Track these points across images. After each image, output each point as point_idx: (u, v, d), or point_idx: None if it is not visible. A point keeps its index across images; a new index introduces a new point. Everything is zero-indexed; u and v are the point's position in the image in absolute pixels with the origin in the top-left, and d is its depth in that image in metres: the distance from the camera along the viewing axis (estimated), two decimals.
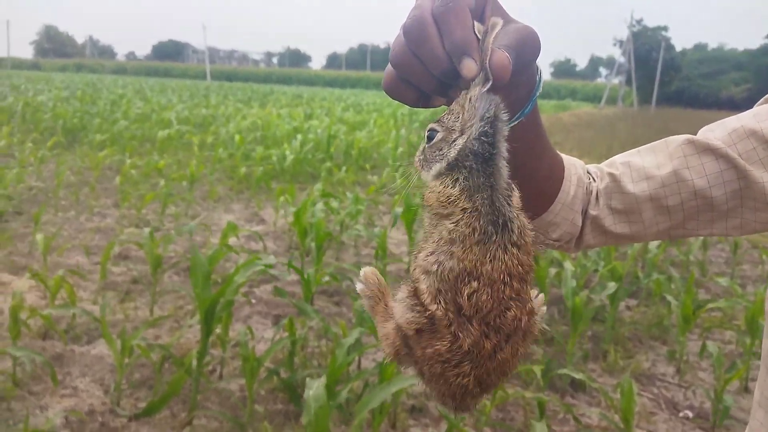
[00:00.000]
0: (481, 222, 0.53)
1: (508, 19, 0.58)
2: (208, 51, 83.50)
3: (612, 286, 3.89)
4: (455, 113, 0.56)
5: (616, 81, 52.57)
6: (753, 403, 0.84)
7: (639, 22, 60.02)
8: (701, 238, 5.78)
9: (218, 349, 3.54)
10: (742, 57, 56.70)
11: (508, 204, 0.55)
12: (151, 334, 3.80)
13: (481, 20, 0.56)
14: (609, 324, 4.03)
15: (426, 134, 0.58)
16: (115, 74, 66.73)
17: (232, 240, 5.58)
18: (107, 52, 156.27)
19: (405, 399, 3.26)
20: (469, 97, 0.54)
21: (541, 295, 0.64)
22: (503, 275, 0.53)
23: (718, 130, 0.79)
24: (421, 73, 0.56)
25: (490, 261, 0.52)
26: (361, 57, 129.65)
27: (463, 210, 0.53)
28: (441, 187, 0.55)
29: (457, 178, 0.54)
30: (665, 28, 61.78)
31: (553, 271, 4.49)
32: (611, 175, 0.83)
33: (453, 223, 0.53)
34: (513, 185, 0.57)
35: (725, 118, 0.81)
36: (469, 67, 0.53)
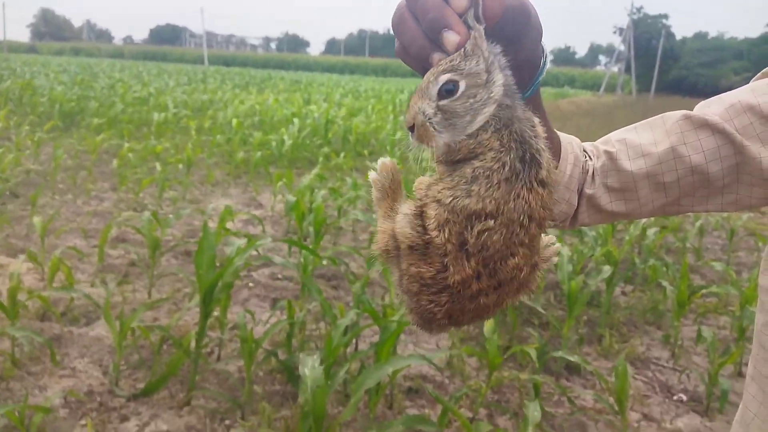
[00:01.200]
0: (512, 156, 0.51)
1: None
2: (205, 35, 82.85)
3: (607, 270, 3.92)
4: (468, 58, 0.52)
5: (615, 69, 52.39)
6: (746, 377, 0.86)
7: (639, 9, 59.61)
8: (698, 224, 5.81)
9: (216, 332, 3.56)
10: (743, 46, 56.43)
11: (535, 135, 0.53)
12: (150, 316, 3.81)
13: (478, 5, 0.56)
14: (604, 309, 4.06)
15: (441, 88, 0.53)
16: (112, 58, 66.22)
17: (229, 224, 5.59)
18: (104, 35, 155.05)
19: (401, 381, 3.29)
20: (475, 34, 0.52)
21: (558, 245, 0.62)
22: (523, 217, 0.51)
23: (715, 106, 0.79)
24: (418, 59, 0.57)
25: (514, 199, 0.51)
26: (360, 43, 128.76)
27: (491, 149, 0.51)
28: (471, 136, 0.52)
29: (488, 120, 0.52)
30: (666, 16, 61.43)
31: None
32: (607, 153, 0.83)
33: (480, 161, 0.51)
34: (532, 114, 0.55)
35: (722, 94, 0.81)
36: (449, 39, 0.52)
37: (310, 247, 4.38)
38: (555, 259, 0.63)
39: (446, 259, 0.52)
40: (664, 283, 4.13)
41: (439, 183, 0.54)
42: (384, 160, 0.62)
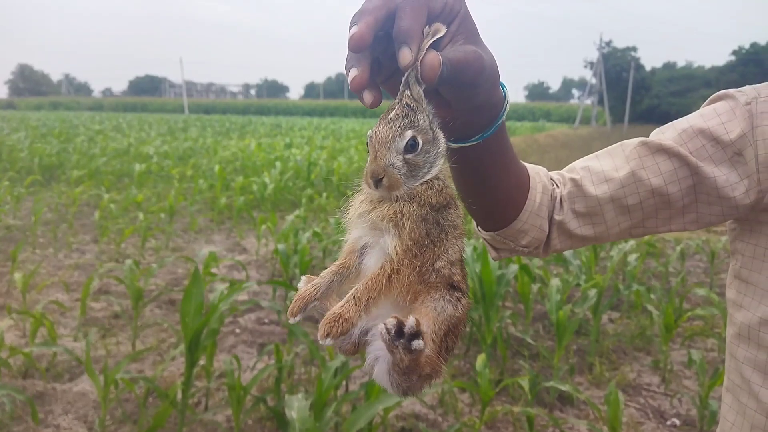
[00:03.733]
0: (455, 211, 0.59)
1: (472, 38, 0.61)
2: (185, 85, 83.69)
3: (593, 295, 3.94)
4: (414, 112, 0.57)
5: (588, 101, 53.67)
6: (723, 389, 0.88)
7: (608, 44, 61.59)
8: (679, 248, 5.89)
9: (203, 381, 3.50)
10: (710, 74, 58.35)
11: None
12: (134, 368, 3.74)
13: (447, 31, 0.60)
14: (593, 337, 4.07)
15: (407, 143, 0.57)
16: (91, 111, 66.41)
17: (213, 270, 5.54)
18: (83, 89, 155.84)
19: (394, 421, 3.24)
20: (416, 95, 0.57)
21: None
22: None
23: (669, 132, 0.83)
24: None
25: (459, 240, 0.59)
26: (339, 86, 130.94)
27: (453, 198, 0.59)
28: (430, 188, 0.58)
29: (443, 179, 0.59)
30: (634, 49, 63.49)
31: (535, 287, 4.53)
32: (573, 180, 0.86)
33: (452, 209, 0.58)
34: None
35: (675, 121, 0.86)
36: (404, 54, 0.55)
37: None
38: None
39: (467, 297, 0.60)
40: (651, 308, 4.15)
41: (446, 247, 0.58)
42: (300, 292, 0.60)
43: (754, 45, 57.69)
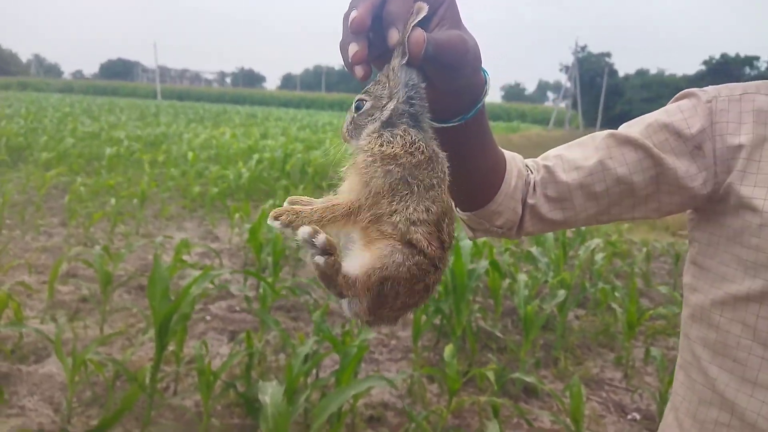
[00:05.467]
0: (440, 167, 0.62)
1: (456, 24, 0.65)
2: (158, 70, 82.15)
3: (562, 294, 4.05)
4: (381, 84, 0.64)
5: (562, 104, 54.57)
6: (675, 367, 0.94)
7: (583, 48, 62.61)
8: (645, 249, 6.06)
9: (172, 366, 3.49)
10: (681, 82, 59.81)
11: (443, 154, 0.65)
12: (103, 352, 3.70)
13: (434, 16, 0.64)
14: (559, 332, 4.17)
15: (354, 105, 0.66)
16: (61, 93, 64.65)
17: (185, 257, 5.50)
18: (53, 70, 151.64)
19: (363, 410, 3.29)
20: (391, 68, 0.63)
21: None
22: (450, 208, 0.64)
23: (636, 125, 0.90)
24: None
25: (448, 198, 0.63)
26: (316, 78, 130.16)
27: (429, 159, 0.61)
28: (378, 144, 0.62)
29: (396, 135, 0.62)
30: (608, 55, 64.66)
31: (506, 283, 4.62)
32: (546, 167, 0.92)
33: (426, 170, 0.61)
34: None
35: (642, 116, 0.92)
36: (392, 34, 0.61)
37: (269, 279, 4.36)
38: None
39: (440, 262, 0.62)
40: (615, 306, 4.28)
41: (395, 203, 0.61)
42: (323, 237, 0.60)
43: (724, 56, 59.30)
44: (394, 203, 0.61)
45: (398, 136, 0.61)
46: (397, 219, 0.60)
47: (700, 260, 0.90)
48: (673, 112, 0.87)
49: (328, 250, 0.59)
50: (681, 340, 0.93)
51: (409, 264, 0.60)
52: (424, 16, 0.62)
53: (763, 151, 0.81)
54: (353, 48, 0.61)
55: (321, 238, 0.58)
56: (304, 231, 0.59)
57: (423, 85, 0.64)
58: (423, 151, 0.61)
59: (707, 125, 0.84)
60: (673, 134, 0.85)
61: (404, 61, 0.62)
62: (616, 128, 0.94)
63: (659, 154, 0.85)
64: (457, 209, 0.92)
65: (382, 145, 0.61)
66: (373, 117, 0.63)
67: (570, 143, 0.95)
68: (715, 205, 0.86)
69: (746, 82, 0.87)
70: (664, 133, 0.86)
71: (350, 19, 0.60)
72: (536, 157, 0.97)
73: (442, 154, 0.64)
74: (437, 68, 0.65)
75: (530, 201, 0.91)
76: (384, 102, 0.63)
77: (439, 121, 0.71)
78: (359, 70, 0.63)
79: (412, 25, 0.60)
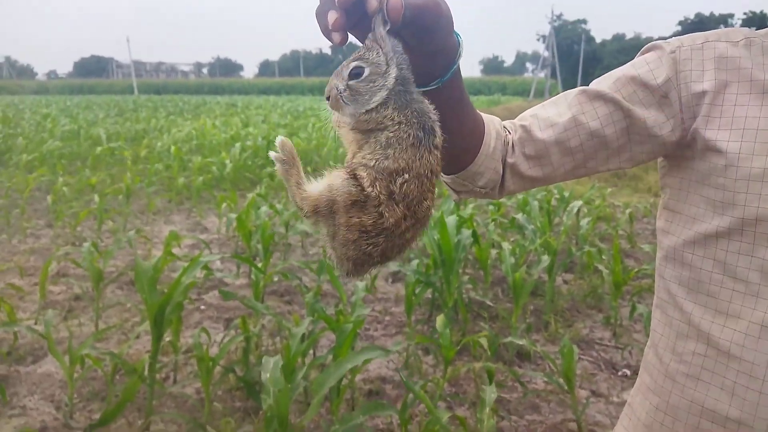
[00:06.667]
0: (414, 129, 0.67)
1: None
2: (133, 65, 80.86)
3: (546, 259, 4.12)
4: (374, 51, 0.67)
5: (542, 75, 54.40)
6: (653, 306, 1.00)
7: (559, 17, 62.51)
8: (628, 211, 6.16)
9: (170, 356, 3.52)
10: None
11: (430, 113, 0.69)
12: (100, 347, 3.72)
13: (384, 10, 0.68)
14: (548, 297, 4.26)
15: (351, 72, 0.68)
16: (36, 94, 63.42)
17: (176, 250, 5.51)
18: (26, 72, 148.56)
19: (362, 384, 3.35)
20: (378, 35, 0.67)
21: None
22: (427, 171, 0.67)
23: (605, 81, 0.93)
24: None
25: (419, 159, 0.67)
26: (294, 63, 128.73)
27: (399, 123, 0.67)
28: (375, 112, 0.67)
29: (388, 100, 0.67)
30: (584, 21, 64.65)
31: (494, 252, 4.69)
32: (522, 126, 0.96)
33: (391, 131, 0.67)
34: (427, 100, 0.71)
35: (611, 71, 0.95)
36: (371, 2, 0.65)
37: (260, 264, 4.39)
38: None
39: (381, 207, 0.67)
40: (601, 268, 4.37)
41: (361, 151, 0.69)
42: (282, 138, 0.74)
43: (698, 15, 59.43)
44: (362, 150, 0.68)
45: (387, 101, 0.67)
46: (355, 160, 0.68)
47: (672, 204, 0.95)
48: (640, 64, 0.91)
49: (284, 160, 0.71)
50: (657, 282, 0.98)
51: (345, 190, 0.66)
52: None
53: (725, 95, 0.85)
54: (332, 15, 0.65)
55: (278, 139, 0.71)
56: (277, 138, 0.71)
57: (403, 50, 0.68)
58: (393, 118, 0.67)
59: (672, 75, 0.88)
60: (641, 86, 0.89)
61: (387, 28, 0.66)
62: None
63: (628, 105, 0.89)
64: (442, 174, 0.96)
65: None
66: (375, 83, 0.66)
67: (544, 102, 0.98)
68: (683, 151, 0.91)
69: (709, 31, 0.91)
70: (632, 85, 0.90)
71: None
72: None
73: (433, 119, 0.69)
74: (413, 31, 0.69)
75: (510, 160, 0.94)
76: (384, 68, 0.67)
77: (417, 86, 0.75)
78: (337, 37, 0.66)
79: None
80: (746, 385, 0.82)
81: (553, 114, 0.94)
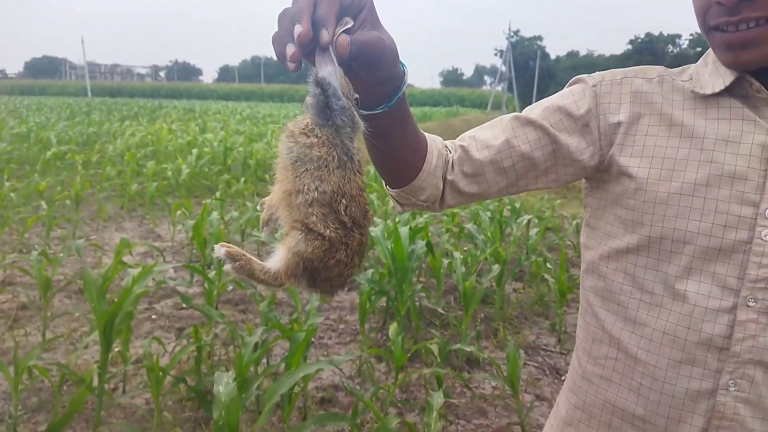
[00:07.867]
0: (337, 153, 0.72)
1: (375, 25, 0.78)
2: (87, 66, 78.61)
3: (496, 268, 4.27)
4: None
5: (499, 88, 55.55)
6: (580, 289, 1.10)
7: (516, 33, 64.08)
8: (575, 223, 6.40)
9: (119, 366, 3.48)
10: (609, 62, 62.22)
11: (352, 143, 0.75)
12: (46, 358, 3.65)
13: (356, 19, 0.76)
14: (498, 305, 4.40)
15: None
16: None
17: (127, 258, 5.43)
18: None
19: (314, 392, 3.40)
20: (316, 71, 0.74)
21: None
22: (356, 191, 0.74)
23: (536, 108, 1.05)
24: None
25: (348, 182, 0.73)
26: (255, 69, 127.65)
27: (323, 143, 0.72)
28: (304, 135, 0.73)
29: (316, 125, 0.73)
30: (540, 38, 66.45)
31: (446, 261, 4.81)
32: (462, 146, 1.05)
33: (319, 154, 0.71)
34: (354, 131, 0.76)
35: (542, 100, 1.06)
36: (323, 36, 0.71)
37: (214, 273, 4.38)
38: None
39: (344, 239, 0.73)
40: (547, 277, 4.54)
41: (298, 196, 0.72)
42: (221, 249, 0.74)
43: (648, 35, 61.88)
44: (296, 180, 0.71)
45: (305, 121, 0.73)
46: (300, 200, 0.71)
47: (592, 222, 1.05)
48: (566, 95, 1.02)
49: (234, 257, 0.73)
50: (580, 292, 1.09)
51: (311, 248, 0.71)
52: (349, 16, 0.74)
53: (638, 126, 0.96)
54: (290, 49, 0.71)
55: (220, 250, 0.73)
56: (219, 250, 0.74)
57: (336, 82, 0.72)
58: (317, 135, 0.71)
59: (593, 106, 0.99)
60: (566, 115, 1.00)
61: (333, 60, 0.72)
62: None
63: (555, 132, 0.99)
64: (387, 187, 1.05)
65: (294, 126, 0.73)
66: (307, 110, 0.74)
67: (482, 125, 1.08)
68: (601, 174, 1.02)
69: (629, 68, 1.02)
70: (558, 114, 1.00)
71: (296, 34, 0.69)
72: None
73: (353, 146, 0.74)
74: (360, 64, 0.77)
75: (449, 177, 1.03)
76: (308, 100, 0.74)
77: (366, 110, 0.83)
78: (292, 66, 0.73)
79: (339, 32, 0.71)
80: (649, 386, 0.92)
81: (489, 137, 1.03)
